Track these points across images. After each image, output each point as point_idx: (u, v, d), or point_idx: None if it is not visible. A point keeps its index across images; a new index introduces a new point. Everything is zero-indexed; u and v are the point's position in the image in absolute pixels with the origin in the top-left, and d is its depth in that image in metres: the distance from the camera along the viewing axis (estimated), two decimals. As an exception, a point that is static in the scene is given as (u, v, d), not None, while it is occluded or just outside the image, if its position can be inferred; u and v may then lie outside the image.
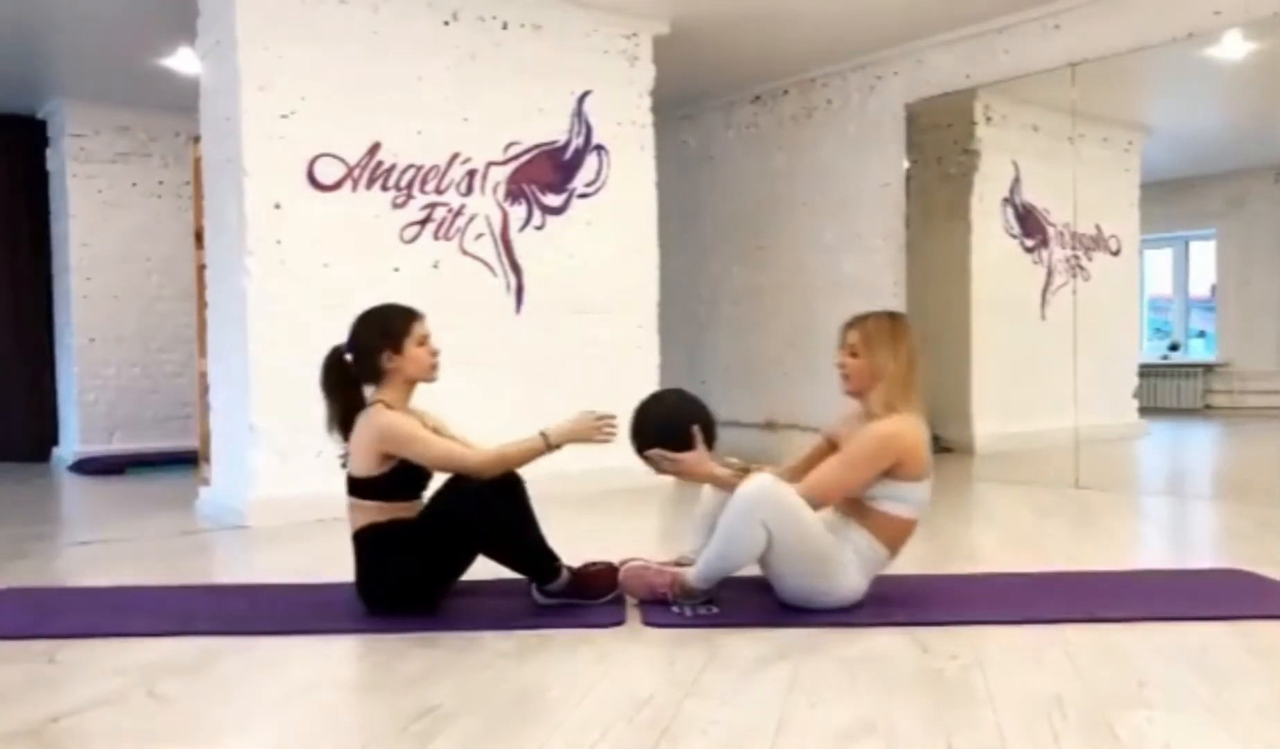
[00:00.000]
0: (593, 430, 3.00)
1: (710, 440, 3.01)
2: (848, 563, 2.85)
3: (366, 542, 2.89)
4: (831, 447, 3.03)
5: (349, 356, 2.99)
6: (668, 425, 3.03)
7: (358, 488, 2.91)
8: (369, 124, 5.03)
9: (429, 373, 3.03)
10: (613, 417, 3.02)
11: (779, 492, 2.76)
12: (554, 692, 2.27)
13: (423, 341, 3.00)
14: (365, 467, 2.88)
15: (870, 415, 2.93)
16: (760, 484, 2.77)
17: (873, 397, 2.93)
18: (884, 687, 2.28)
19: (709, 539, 2.94)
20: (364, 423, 2.90)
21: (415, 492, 2.94)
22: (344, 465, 2.97)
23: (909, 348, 2.95)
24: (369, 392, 3.00)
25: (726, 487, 2.90)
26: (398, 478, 2.89)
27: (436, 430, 3.07)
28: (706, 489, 3.19)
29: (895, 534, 2.91)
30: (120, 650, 2.62)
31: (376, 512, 2.88)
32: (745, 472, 2.94)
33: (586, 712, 2.13)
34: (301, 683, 2.39)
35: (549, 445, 2.94)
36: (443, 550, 2.88)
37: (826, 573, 2.82)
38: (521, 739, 1.99)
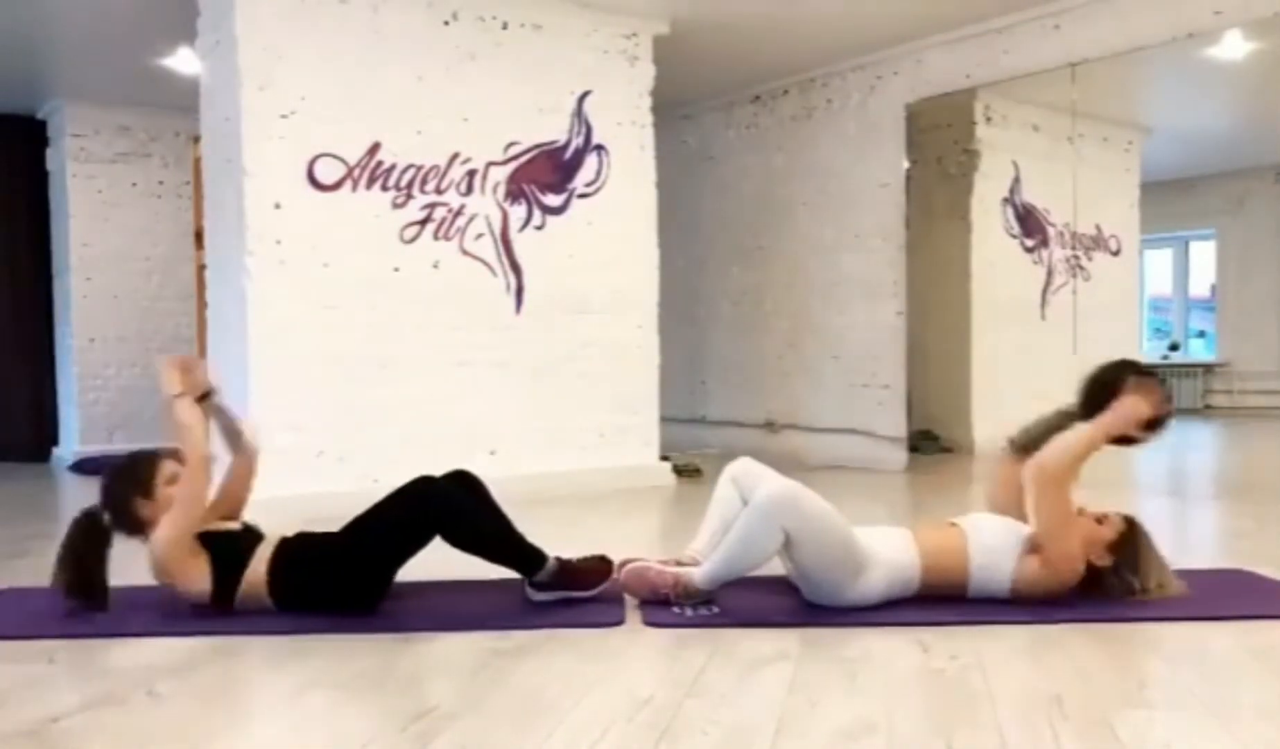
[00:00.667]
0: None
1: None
2: (872, 568, 2.81)
3: (277, 579, 2.86)
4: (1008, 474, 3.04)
5: (106, 517, 2.90)
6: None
7: (225, 588, 2.85)
8: (369, 124, 5.04)
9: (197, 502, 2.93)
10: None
11: (804, 497, 2.75)
12: (554, 692, 2.27)
13: (172, 479, 2.90)
14: (199, 581, 2.83)
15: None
16: (784, 488, 2.77)
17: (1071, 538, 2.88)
18: (884, 687, 2.28)
19: (719, 539, 2.94)
20: (155, 567, 2.83)
21: (245, 548, 2.90)
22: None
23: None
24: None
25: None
26: (219, 550, 2.85)
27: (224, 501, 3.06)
28: (724, 486, 3.17)
29: (945, 574, 2.87)
30: (120, 650, 2.62)
31: (259, 566, 2.85)
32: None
33: (586, 712, 2.13)
34: (301, 683, 2.39)
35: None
36: (389, 548, 2.85)
37: (845, 573, 2.78)
38: (521, 739, 1.99)
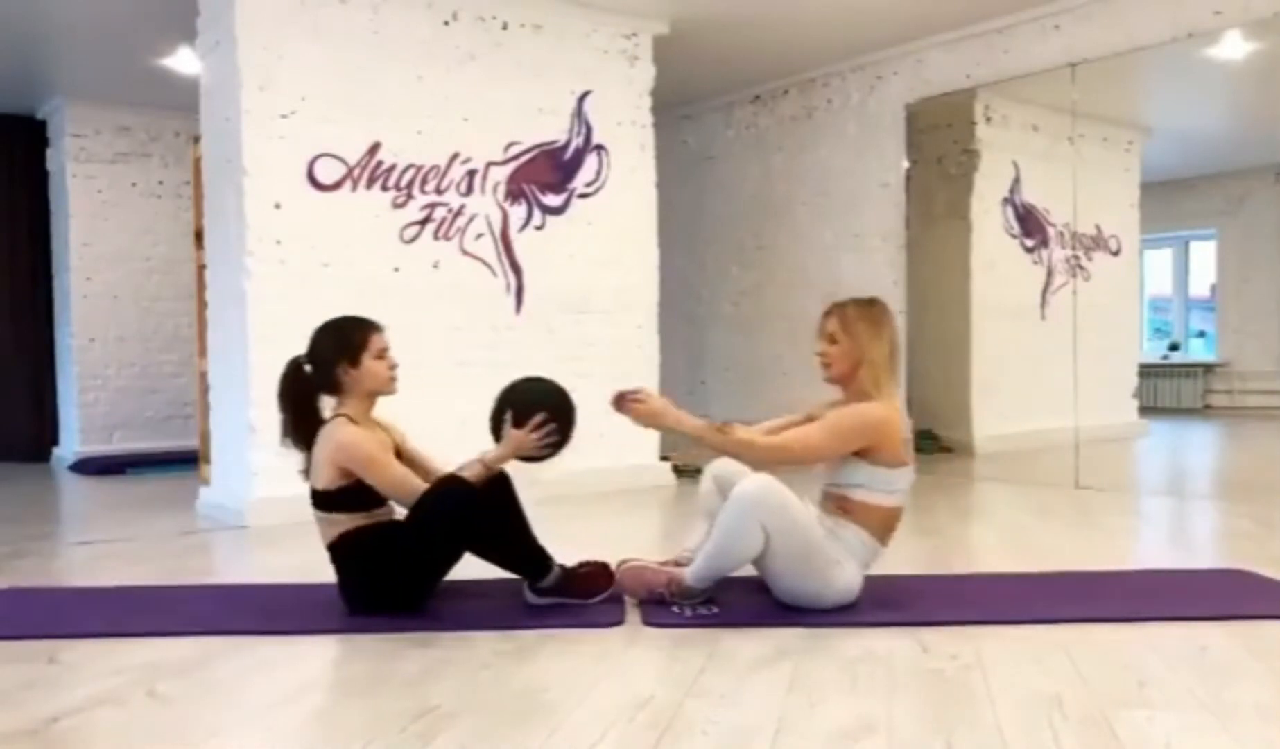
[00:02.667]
0: (526, 444, 2.94)
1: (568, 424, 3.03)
2: (842, 560, 2.85)
3: (342, 552, 2.88)
4: (809, 422, 3.03)
5: (308, 367, 2.96)
6: (529, 406, 3.01)
7: (320, 501, 2.89)
8: (369, 124, 5.03)
9: (386, 386, 3.02)
10: (549, 424, 2.96)
11: (777, 491, 2.76)
12: (554, 692, 2.27)
13: (381, 354, 2.98)
14: (325, 480, 2.86)
15: (851, 401, 2.95)
16: (759, 484, 2.77)
17: (854, 385, 2.95)
18: (884, 687, 2.28)
19: (706, 537, 2.95)
20: (326, 436, 2.88)
21: (380, 501, 2.92)
22: (306, 477, 2.95)
23: (890, 334, 2.96)
24: (329, 402, 2.97)
25: (696, 437, 2.90)
26: (359, 490, 2.87)
27: (398, 446, 3.05)
28: (705, 482, 3.20)
29: (883, 523, 2.92)
30: (120, 650, 2.62)
31: (344, 522, 2.87)
32: (718, 428, 2.92)
33: (586, 712, 2.13)
34: (301, 683, 2.39)
35: (486, 468, 2.92)
36: (430, 550, 2.87)
37: (823, 571, 2.82)
38: (521, 739, 1.99)
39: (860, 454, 2.86)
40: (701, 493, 3.22)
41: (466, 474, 2.90)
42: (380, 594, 2.88)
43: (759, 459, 2.90)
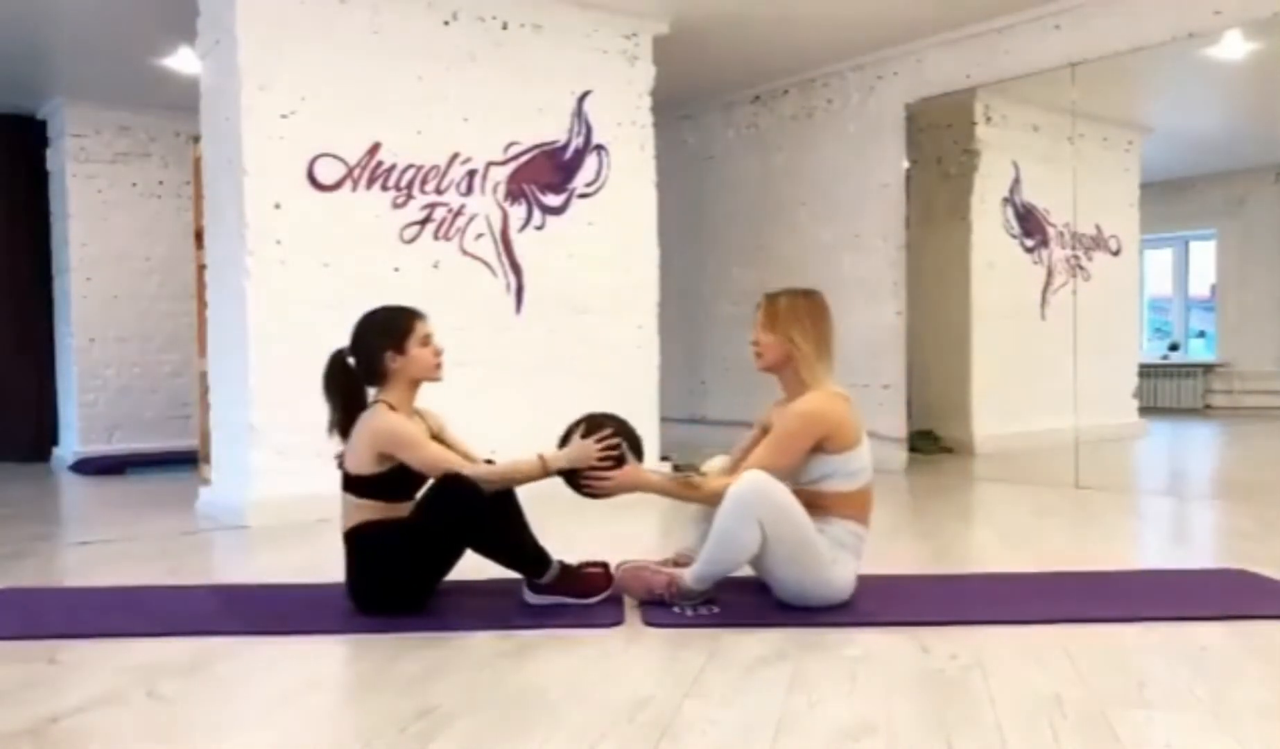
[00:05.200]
0: (591, 455, 2.94)
1: (639, 455, 3.01)
2: (837, 555, 2.86)
3: (358, 540, 2.89)
4: (765, 435, 3.04)
5: (351, 359, 2.99)
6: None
7: (353, 484, 2.91)
8: (369, 124, 5.03)
9: (433, 372, 3.03)
10: (615, 442, 2.96)
11: (772, 488, 2.77)
12: (554, 692, 2.27)
13: (426, 341, 3.01)
14: (362, 464, 2.88)
15: (787, 393, 2.98)
16: (753, 482, 2.77)
17: (787, 374, 2.98)
18: (884, 687, 2.28)
19: (704, 535, 2.95)
20: (365, 421, 2.90)
21: (409, 493, 2.94)
22: (340, 466, 2.97)
23: (818, 324, 2.98)
24: (371, 393, 3.00)
25: (662, 490, 2.96)
26: (394, 479, 2.89)
27: (438, 433, 3.08)
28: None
29: (859, 506, 2.93)
30: (120, 650, 2.63)
31: (370, 510, 2.89)
32: (683, 474, 2.99)
33: (586, 712, 2.13)
34: (301, 683, 2.39)
35: (546, 470, 2.93)
36: (433, 549, 2.87)
37: (821, 566, 2.82)
38: (521, 739, 1.99)
39: (815, 448, 2.87)
40: None
41: (522, 467, 2.90)
42: (386, 590, 2.88)
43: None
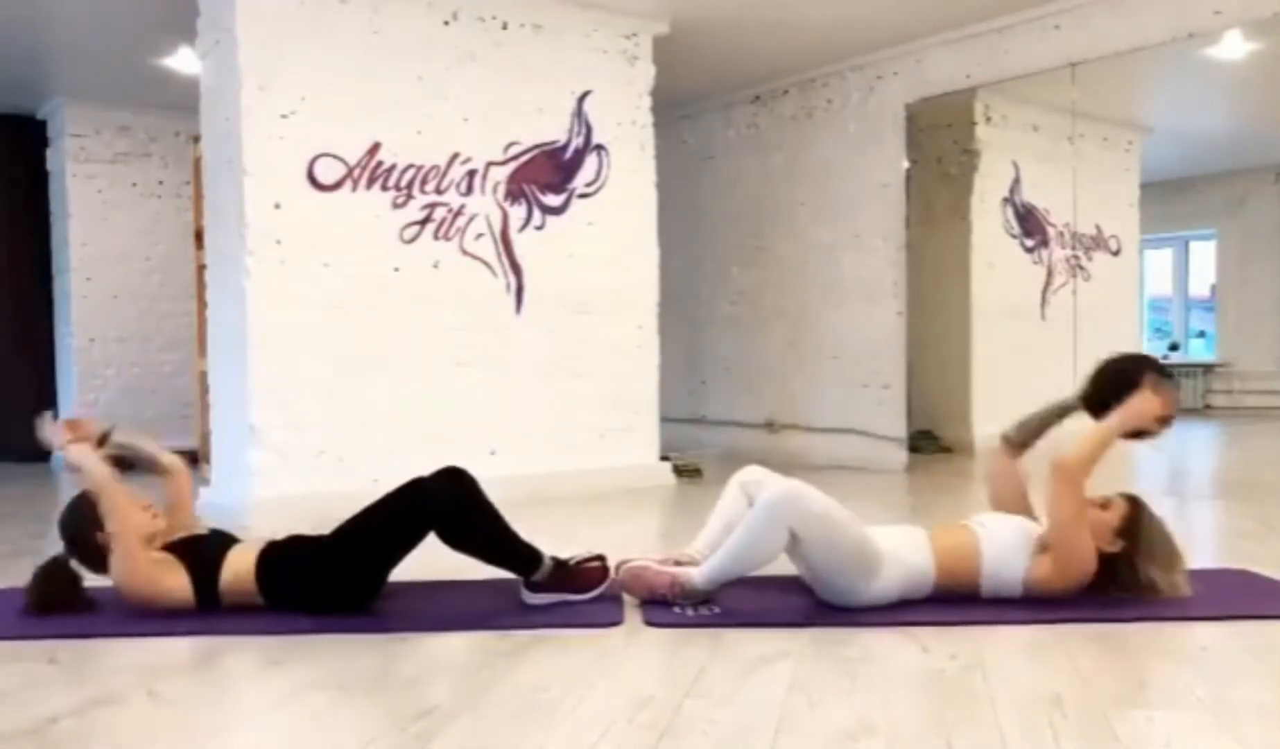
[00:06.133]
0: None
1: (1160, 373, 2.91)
2: (886, 567, 2.80)
3: (267, 578, 2.88)
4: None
5: (73, 560, 2.95)
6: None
7: (207, 584, 2.88)
8: (369, 124, 5.03)
9: (151, 524, 2.95)
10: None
11: (808, 495, 2.75)
12: (554, 692, 2.27)
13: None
14: (176, 588, 2.85)
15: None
16: (791, 487, 2.77)
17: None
18: (884, 687, 2.28)
19: (720, 541, 2.93)
20: (120, 581, 2.86)
21: (217, 547, 2.94)
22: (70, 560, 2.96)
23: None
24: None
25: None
26: (186, 553, 2.89)
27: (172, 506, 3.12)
28: (731, 489, 3.16)
29: (958, 576, 2.87)
30: (120, 650, 2.62)
31: (236, 563, 2.89)
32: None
33: (586, 712, 2.13)
34: (301, 683, 2.39)
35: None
36: (380, 548, 2.86)
37: (863, 568, 2.78)
38: (521, 739, 1.99)
39: (1051, 556, 2.81)
40: (725, 499, 3.16)
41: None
42: (326, 596, 2.88)
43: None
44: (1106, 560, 2.84)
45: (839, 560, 2.78)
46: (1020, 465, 3.19)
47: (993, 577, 2.86)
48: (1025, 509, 3.04)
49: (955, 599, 2.85)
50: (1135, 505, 2.90)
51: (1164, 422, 2.91)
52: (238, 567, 2.89)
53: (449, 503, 2.85)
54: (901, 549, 2.85)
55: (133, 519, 2.85)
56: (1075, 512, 2.80)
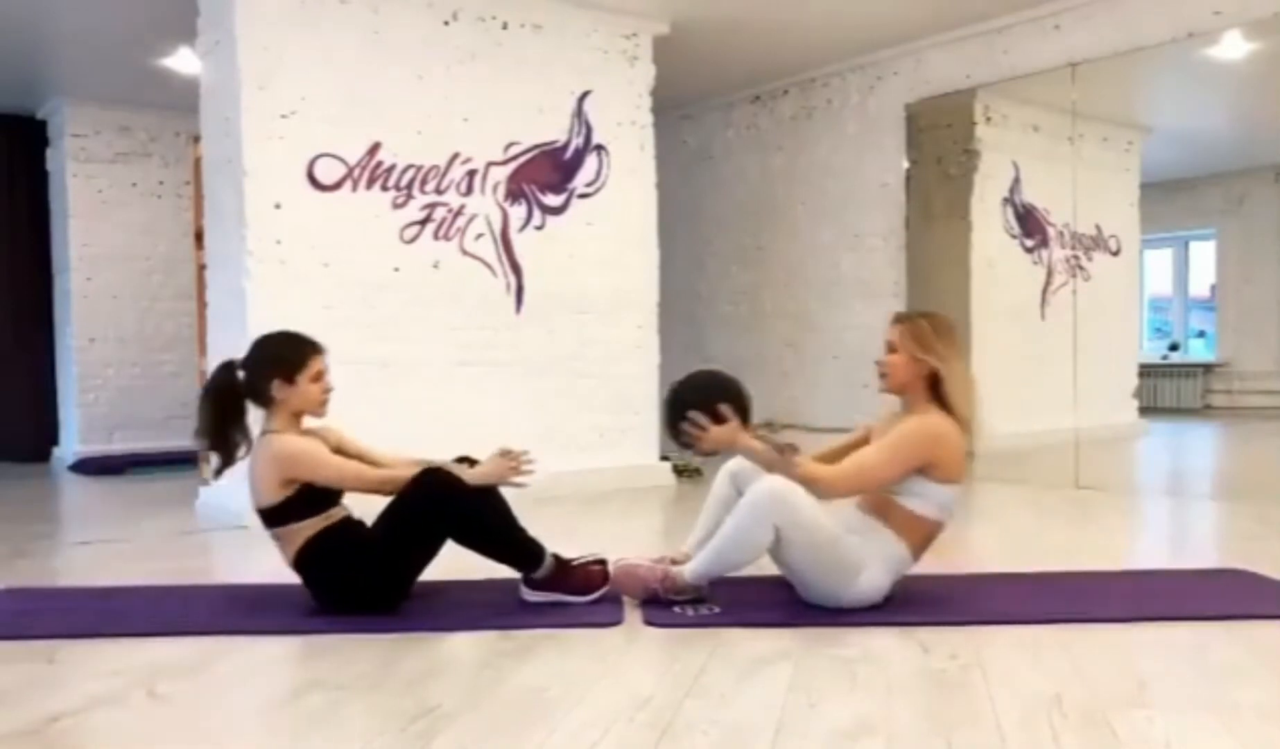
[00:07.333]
0: (506, 471, 2.93)
1: (745, 417, 2.94)
2: (869, 562, 2.82)
3: (309, 560, 2.87)
4: (867, 441, 3.00)
5: (241, 373, 2.94)
6: (701, 396, 2.92)
7: (272, 517, 2.88)
8: (369, 124, 5.03)
9: (317, 409, 2.98)
10: (526, 455, 2.94)
11: (792, 493, 2.75)
12: (554, 692, 2.27)
13: (317, 377, 2.95)
14: (269, 495, 2.86)
15: (911, 414, 2.91)
16: (773, 485, 2.75)
17: (913, 395, 2.92)
18: (884, 687, 2.28)
19: (704, 539, 2.94)
20: (260, 454, 2.87)
21: (331, 501, 2.92)
22: (217, 474, 2.96)
23: (957, 349, 2.92)
24: (256, 412, 2.96)
25: (759, 458, 2.86)
26: (307, 495, 2.87)
27: (338, 446, 3.03)
28: (721, 480, 3.17)
29: (920, 536, 2.88)
30: (120, 650, 2.62)
31: (305, 530, 2.87)
32: (777, 447, 2.86)
33: (586, 712, 2.13)
34: (301, 683, 2.39)
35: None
36: (410, 541, 2.86)
37: (844, 571, 2.79)
38: (521, 739, 1.99)
39: (920, 468, 2.83)
40: (715, 489, 3.18)
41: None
42: (357, 592, 2.87)
43: (826, 492, 2.82)
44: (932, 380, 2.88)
45: (823, 561, 2.78)
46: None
47: (905, 493, 2.87)
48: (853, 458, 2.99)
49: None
50: (903, 323, 2.96)
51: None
52: (304, 530, 2.87)
53: (466, 507, 2.85)
54: (874, 547, 2.83)
55: (333, 483, 2.88)
56: (889, 470, 2.82)
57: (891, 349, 2.94)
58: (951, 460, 2.84)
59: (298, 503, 2.85)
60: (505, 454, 2.94)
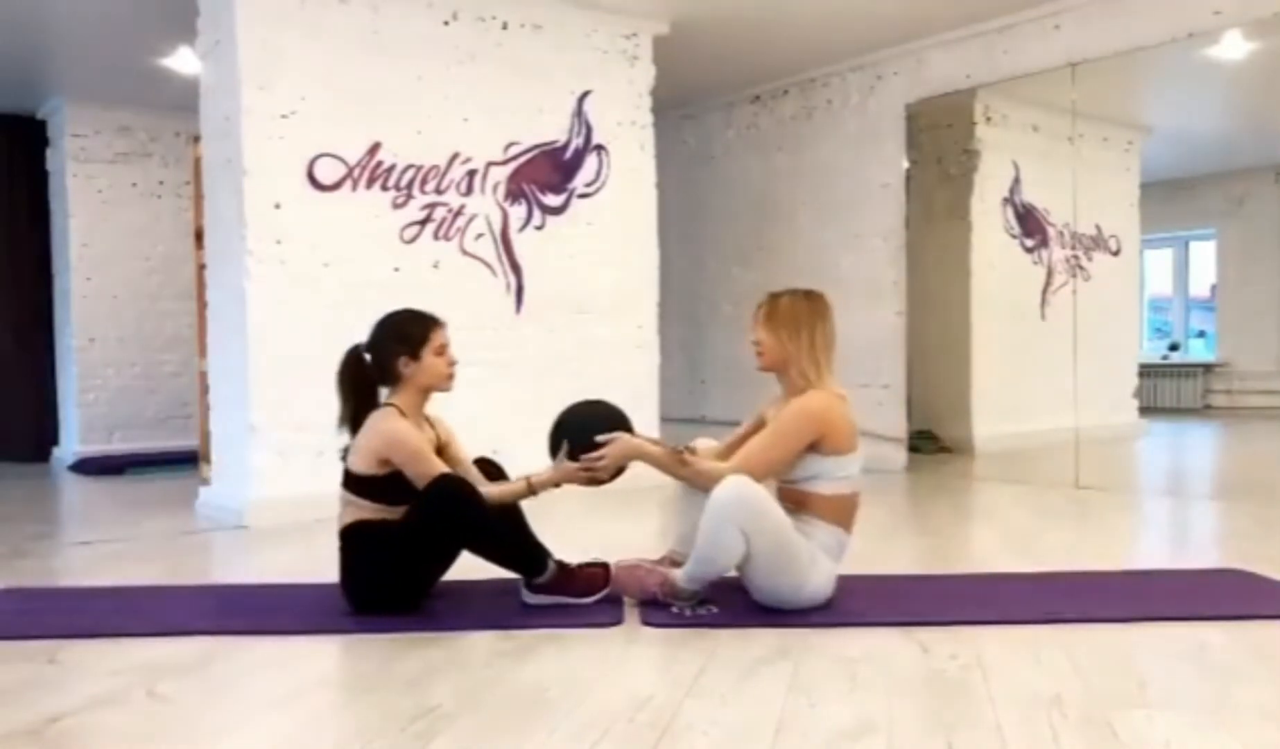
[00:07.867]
0: (575, 478, 2.96)
1: (629, 430, 3.01)
2: (815, 555, 2.84)
3: (353, 538, 2.89)
4: (761, 427, 3.02)
5: (368, 356, 2.99)
6: (585, 429, 2.97)
7: (353, 483, 2.91)
8: (369, 124, 5.03)
9: (444, 382, 3.04)
10: (599, 458, 2.96)
11: (751, 493, 2.75)
12: (554, 692, 2.27)
13: (441, 351, 3.02)
14: (365, 465, 2.89)
15: (789, 393, 2.96)
16: (732, 488, 2.75)
17: (789, 373, 2.96)
18: (884, 687, 2.28)
19: (689, 533, 2.94)
20: (373, 423, 2.91)
21: (406, 498, 2.92)
22: (343, 458, 2.97)
23: (818, 326, 2.96)
24: (384, 392, 3.00)
25: (655, 462, 2.94)
26: (392, 482, 2.88)
27: (446, 442, 3.08)
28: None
29: (845, 513, 2.92)
30: (120, 650, 2.63)
31: (367, 510, 2.89)
32: (674, 450, 2.95)
33: (586, 712, 2.13)
34: (301, 683, 2.39)
35: (532, 490, 2.96)
36: (428, 549, 2.87)
37: (800, 570, 2.81)
38: (521, 739, 1.99)
39: (809, 447, 2.86)
40: (680, 490, 3.20)
41: (509, 492, 2.95)
42: (378, 588, 2.88)
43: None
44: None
45: (787, 557, 2.79)
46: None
47: (813, 479, 2.89)
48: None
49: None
50: (763, 305, 3.01)
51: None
52: (366, 515, 2.88)
53: (478, 519, 2.85)
54: (809, 537, 2.84)
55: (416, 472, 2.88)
56: (778, 456, 2.86)
57: (766, 329, 2.99)
58: (838, 432, 2.87)
59: (382, 484, 2.87)
60: (570, 463, 2.95)
